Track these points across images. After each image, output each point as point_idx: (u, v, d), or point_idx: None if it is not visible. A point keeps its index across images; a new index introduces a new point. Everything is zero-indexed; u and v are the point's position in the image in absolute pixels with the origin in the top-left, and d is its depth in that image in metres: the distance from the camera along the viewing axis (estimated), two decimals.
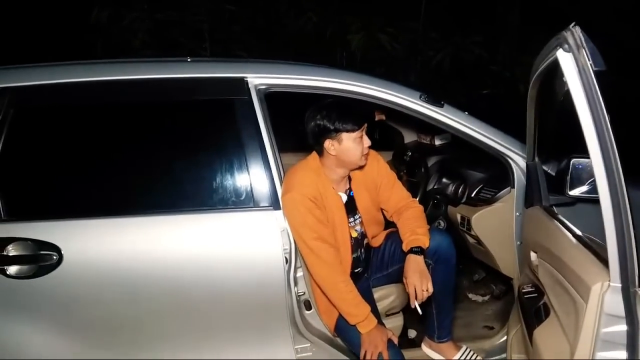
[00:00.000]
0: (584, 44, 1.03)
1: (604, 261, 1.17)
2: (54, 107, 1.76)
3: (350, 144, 1.71)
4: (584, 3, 5.12)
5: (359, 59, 4.64)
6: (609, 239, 1.09)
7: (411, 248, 1.75)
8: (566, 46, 1.07)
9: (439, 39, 4.76)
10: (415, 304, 1.69)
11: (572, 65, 1.06)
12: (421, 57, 4.81)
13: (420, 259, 1.73)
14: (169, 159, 1.80)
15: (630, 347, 1.14)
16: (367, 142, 1.75)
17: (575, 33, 1.06)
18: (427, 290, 1.68)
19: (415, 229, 1.80)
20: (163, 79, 1.82)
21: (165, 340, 1.75)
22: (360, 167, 1.83)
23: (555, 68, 1.13)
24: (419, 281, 1.67)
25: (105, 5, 4.40)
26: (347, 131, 1.69)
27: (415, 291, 1.68)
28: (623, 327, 1.14)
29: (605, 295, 1.14)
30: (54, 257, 1.61)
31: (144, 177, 1.78)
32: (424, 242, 1.77)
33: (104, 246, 1.66)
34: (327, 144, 1.73)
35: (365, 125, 1.74)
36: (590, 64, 1.03)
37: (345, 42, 4.69)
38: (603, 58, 1.07)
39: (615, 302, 1.13)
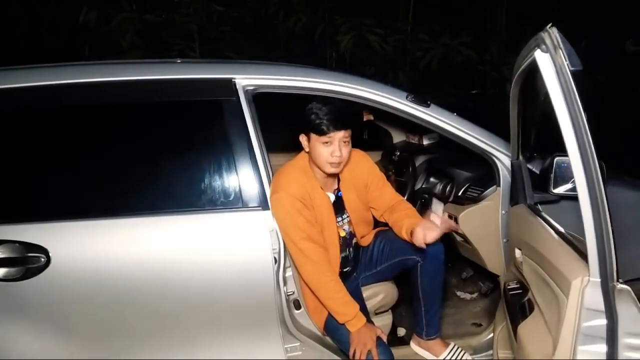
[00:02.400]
0: (561, 45, 1.06)
1: (585, 257, 1.19)
2: (41, 109, 1.75)
3: (316, 146, 1.72)
4: (572, 2, 5.18)
5: (349, 60, 4.65)
6: (587, 235, 1.12)
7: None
8: (544, 47, 1.09)
9: (427, 40, 4.78)
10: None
11: (550, 66, 1.09)
12: (410, 58, 4.84)
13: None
14: (157, 160, 1.80)
15: (610, 341, 1.17)
16: (336, 151, 1.70)
17: (552, 34, 1.08)
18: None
19: (411, 218, 1.82)
20: (151, 80, 1.82)
21: (155, 341, 1.75)
22: (347, 169, 1.84)
23: (535, 68, 1.15)
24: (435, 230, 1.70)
25: (93, 6, 4.37)
26: (315, 132, 1.70)
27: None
28: (603, 321, 1.17)
29: (585, 290, 1.17)
30: (42, 259, 1.60)
31: (133, 178, 1.78)
32: None
33: (93, 248, 1.66)
34: (302, 138, 1.76)
35: (340, 134, 1.69)
36: (567, 64, 1.05)
37: (334, 42, 4.70)
38: (579, 58, 1.10)
39: (594, 297, 1.16)
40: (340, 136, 1.70)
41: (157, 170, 1.80)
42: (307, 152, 1.78)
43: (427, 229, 1.70)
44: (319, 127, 1.68)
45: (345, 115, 1.73)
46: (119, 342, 1.73)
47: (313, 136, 1.72)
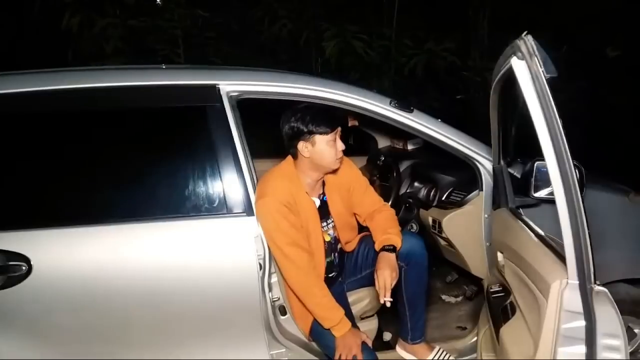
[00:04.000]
0: (536, 52, 1.09)
1: (563, 260, 1.22)
2: (22, 116, 1.73)
3: (323, 147, 1.73)
4: (553, 9, 5.28)
5: (334, 65, 4.68)
6: (565, 238, 1.14)
7: (383, 246, 1.79)
8: (520, 54, 1.12)
9: (412, 46, 4.83)
10: (385, 299, 1.69)
11: (526, 73, 1.11)
12: (395, 63, 4.88)
13: (392, 255, 1.77)
14: (141, 166, 1.79)
15: (589, 342, 1.19)
16: (340, 145, 1.76)
17: (527, 42, 1.11)
18: (392, 283, 1.70)
19: (387, 229, 1.84)
20: (135, 86, 1.81)
21: (139, 349, 1.74)
22: (334, 171, 1.86)
23: (512, 75, 1.18)
24: (389, 275, 1.70)
25: (76, 11, 4.33)
26: (320, 133, 1.71)
27: (385, 285, 1.69)
28: (581, 323, 1.19)
29: (564, 292, 1.20)
30: (23, 268, 1.58)
31: (116, 185, 1.77)
32: (396, 241, 1.81)
33: (75, 256, 1.65)
34: (301, 146, 1.75)
35: (339, 128, 1.75)
36: (543, 71, 1.08)
37: (319, 48, 4.73)
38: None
39: (573, 299, 1.18)
40: (339, 131, 1.76)
41: (140, 177, 1.79)
42: (306, 158, 1.76)
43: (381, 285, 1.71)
44: (323, 128, 1.71)
45: (333, 112, 1.80)
46: (102, 349, 1.71)
47: (318, 138, 1.72)
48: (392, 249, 1.79)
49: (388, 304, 1.70)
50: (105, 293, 1.66)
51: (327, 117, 1.73)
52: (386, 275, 1.70)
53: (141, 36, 4.48)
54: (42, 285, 1.61)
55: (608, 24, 5.61)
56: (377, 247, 1.82)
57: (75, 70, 2.02)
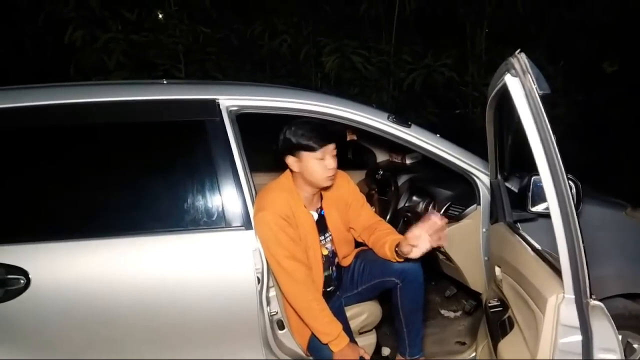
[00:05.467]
0: (529, 69, 1.11)
1: (560, 274, 1.22)
2: (23, 129, 1.75)
3: (310, 163, 1.74)
4: (549, 23, 5.35)
5: (333, 80, 4.72)
6: (561, 253, 1.15)
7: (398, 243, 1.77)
8: (513, 71, 1.14)
9: (410, 61, 4.88)
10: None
11: (519, 89, 1.13)
12: (393, 79, 4.92)
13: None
14: (140, 180, 1.80)
15: (585, 356, 1.19)
16: (330, 164, 1.75)
17: (520, 59, 1.13)
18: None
19: (392, 235, 1.85)
20: (135, 101, 1.83)
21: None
22: (328, 188, 1.86)
23: (506, 91, 1.20)
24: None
25: (79, 25, 4.38)
26: (307, 150, 1.72)
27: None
28: (578, 337, 1.20)
29: (560, 306, 1.20)
30: (22, 281, 1.58)
31: (116, 198, 1.77)
32: None
33: (73, 269, 1.65)
34: (290, 160, 1.76)
35: (331, 147, 1.74)
36: (536, 88, 1.10)
37: (319, 63, 4.78)
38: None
39: (569, 313, 1.19)
40: (330, 149, 1.75)
41: (140, 191, 1.80)
42: (297, 172, 1.78)
43: (414, 245, 1.69)
44: (311, 145, 1.71)
45: (330, 129, 1.79)
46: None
47: (305, 154, 1.73)
48: None
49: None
50: (103, 307, 1.65)
51: (317, 134, 1.72)
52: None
53: (143, 51, 4.53)
54: (40, 298, 1.61)
55: (604, 38, 5.67)
56: (390, 249, 1.79)
57: (77, 85, 2.04)
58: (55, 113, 1.76)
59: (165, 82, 2.02)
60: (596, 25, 5.34)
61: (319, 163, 1.74)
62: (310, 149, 1.72)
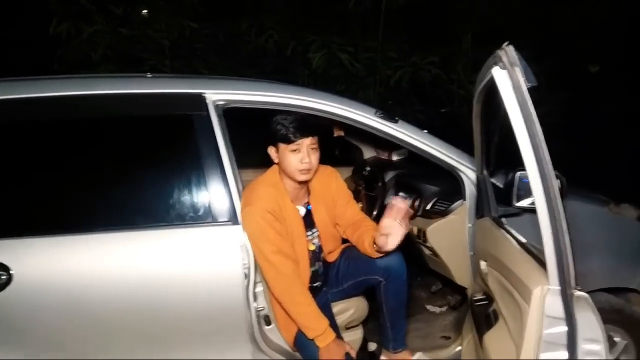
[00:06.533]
0: (517, 62, 1.11)
1: (545, 266, 1.24)
2: (6, 122, 1.71)
3: (285, 155, 1.74)
4: (533, 23, 5.42)
5: (320, 77, 4.72)
6: (546, 245, 1.16)
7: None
8: (501, 64, 1.14)
9: (397, 58, 4.90)
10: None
11: (507, 82, 1.14)
12: (380, 76, 4.93)
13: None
14: (126, 175, 1.78)
15: (570, 347, 1.20)
16: (305, 158, 1.73)
17: (508, 52, 1.14)
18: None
19: (374, 231, 1.81)
20: (121, 95, 1.81)
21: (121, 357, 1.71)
22: (314, 183, 1.86)
23: (494, 85, 1.21)
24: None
25: (64, 18, 4.31)
26: (283, 141, 1.73)
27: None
28: (563, 328, 1.21)
29: (545, 298, 1.21)
30: (3, 277, 1.56)
31: (101, 193, 1.75)
32: None
33: (57, 265, 1.63)
34: (270, 150, 1.78)
35: (308, 141, 1.73)
36: (524, 80, 1.11)
37: (306, 59, 4.76)
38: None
39: (555, 304, 1.20)
40: (307, 143, 1.73)
41: (126, 185, 1.78)
42: (277, 164, 1.80)
43: (388, 235, 1.67)
44: (286, 136, 1.71)
45: (310, 122, 1.78)
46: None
47: (281, 146, 1.74)
48: None
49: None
50: (87, 303, 1.64)
51: (295, 126, 1.72)
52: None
53: (129, 45, 4.47)
54: (23, 294, 1.58)
55: (588, 39, 5.77)
56: (370, 242, 1.77)
57: (61, 78, 2.01)
58: (38, 106, 1.74)
59: (149, 75, 1.99)
60: (581, 26, 5.42)
61: (293, 155, 1.73)
62: (286, 140, 1.72)
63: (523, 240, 1.50)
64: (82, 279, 1.63)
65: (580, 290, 1.21)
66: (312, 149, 1.75)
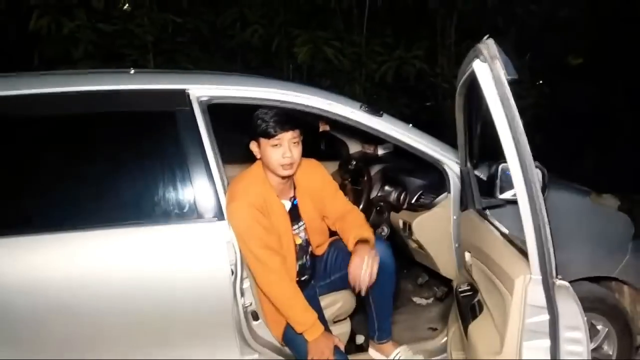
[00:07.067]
0: (497, 55, 1.13)
1: (527, 256, 1.26)
2: None
3: (267, 150, 1.74)
4: (517, 18, 5.46)
5: (306, 71, 4.70)
6: (527, 235, 1.18)
7: (358, 240, 1.78)
8: (482, 57, 1.16)
9: (382, 52, 4.90)
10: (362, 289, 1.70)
11: (488, 75, 1.15)
12: (365, 70, 4.94)
13: (365, 246, 1.75)
14: (110, 172, 1.77)
15: (552, 335, 1.23)
16: (287, 152, 1.72)
17: (489, 45, 1.15)
18: (371, 275, 1.69)
19: (358, 227, 1.85)
20: (103, 91, 1.79)
21: (108, 356, 1.70)
22: (299, 177, 1.86)
23: (475, 77, 1.22)
24: (364, 274, 1.69)
25: (44, 12, 4.22)
26: (264, 136, 1.73)
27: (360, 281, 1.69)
28: (545, 317, 1.23)
29: (527, 287, 1.23)
30: None
31: (84, 191, 1.73)
32: (370, 236, 1.81)
33: (37, 265, 1.61)
34: (252, 146, 1.78)
35: (289, 135, 1.72)
36: (504, 73, 1.12)
37: (291, 54, 4.74)
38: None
39: (536, 294, 1.22)
40: (288, 137, 1.73)
41: (110, 182, 1.76)
42: (260, 159, 1.80)
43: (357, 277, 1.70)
44: (267, 130, 1.71)
45: (291, 116, 1.77)
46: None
47: (263, 141, 1.74)
48: (366, 242, 1.77)
49: (363, 293, 1.72)
50: (69, 302, 1.62)
51: (276, 120, 1.71)
52: (361, 272, 1.69)
53: (111, 41, 4.41)
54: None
55: (569, 33, 5.84)
56: (351, 244, 1.80)
57: (41, 74, 1.97)
58: (17, 103, 1.71)
59: (132, 71, 1.97)
60: (562, 20, 5.48)
61: (274, 150, 1.73)
62: (267, 135, 1.72)
63: (506, 231, 1.53)
64: (65, 279, 1.62)
65: (561, 279, 1.24)
66: (294, 143, 1.75)
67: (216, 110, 1.86)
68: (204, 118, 1.78)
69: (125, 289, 1.66)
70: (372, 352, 2.08)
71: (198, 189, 1.74)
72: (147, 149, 1.80)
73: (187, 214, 1.74)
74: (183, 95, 1.79)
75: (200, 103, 1.80)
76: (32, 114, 1.72)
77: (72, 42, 4.27)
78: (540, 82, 5.31)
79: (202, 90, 1.83)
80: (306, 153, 1.84)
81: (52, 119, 1.74)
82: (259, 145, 1.76)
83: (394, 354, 2.02)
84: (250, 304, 1.82)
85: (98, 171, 1.76)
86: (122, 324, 1.68)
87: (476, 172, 1.93)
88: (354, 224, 1.88)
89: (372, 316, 2.00)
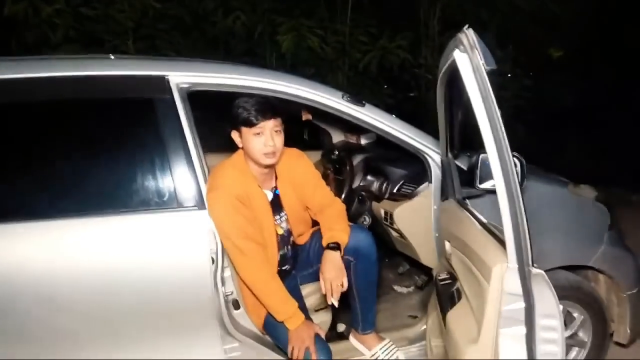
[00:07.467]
0: (477, 45, 1.13)
1: (504, 245, 1.28)
2: None
3: (249, 139, 1.72)
4: (500, 10, 5.49)
5: (289, 60, 4.67)
6: (505, 224, 1.20)
7: (328, 244, 1.80)
8: (462, 47, 1.16)
9: (366, 42, 4.89)
10: (332, 300, 1.73)
11: (467, 65, 1.16)
12: (349, 59, 4.92)
13: (336, 254, 1.78)
14: (87, 160, 1.73)
15: (528, 322, 1.25)
16: (269, 141, 1.71)
17: (468, 35, 1.15)
18: (341, 285, 1.73)
19: (333, 226, 1.86)
20: (81, 77, 1.75)
21: (87, 349, 1.68)
22: (281, 167, 1.86)
23: (455, 67, 1.22)
24: (335, 277, 1.73)
25: None
26: (245, 125, 1.71)
27: (331, 286, 1.72)
28: (521, 304, 1.26)
29: (504, 275, 1.25)
30: None
31: (61, 179, 1.70)
32: (341, 238, 1.83)
33: (13, 253, 1.58)
34: (234, 135, 1.76)
35: (270, 123, 1.71)
36: (483, 63, 1.13)
37: (274, 42, 4.70)
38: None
39: (513, 282, 1.24)
40: (270, 125, 1.71)
41: (87, 170, 1.73)
42: (242, 148, 1.78)
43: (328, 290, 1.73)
44: (248, 119, 1.69)
45: (273, 104, 1.75)
46: (49, 350, 1.65)
47: (244, 129, 1.72)
48: (335, 247, 1.80)
49: (336, 304, 1.74)
50: (47, 291, 1.60)
51: (257, 109, 1.69)
52: (331, 277, 1.73)
53: (90, 26, 4.31)
54: None
55: (551, 26, 5.89)
56: (323, 244, 1.83)
57: (18, 59, 1.92)
58: None
59: (112, 57, 1.93)
60: (546, 13, 5.52)
61: (256, 139, 1.71)
62: (248, 123, 1.70)
63: (484, 220, 1.55)
64: (42, 269, 1.59)
65: (537, 267, 1.26)
66: (276, 131, 1.73)
67: (197, 98, 1.84)
68: (184, 106, 1.76)
69: (104, 278, 1.64)
70: (353, 341, 2.09)
71: (178, 178, 1.72)
72: (126, 137, 1.76)
73: (167, 202, 1.72)
74: (163, 82, 1.77)
75: (181, 90, 1.78)
76: (6, 100, 1.67)
77: (50, 27, 4.17)
78: (522, 74, 5.35)
79: (182, 77, 1.80)
80: (289, 142, 1.83)
81: (27, 105, 1.70)
82: (240, 134, 1.74)
83: (375, 351, 2.03)
84: (231, 293, 1.82)
85: (75, 159, 1.73)
86: (102, 313, 1.66)
87: (457, 162, 1.94)
88: (330, 221, 1.89)
89: (356, 308, 2.00)
